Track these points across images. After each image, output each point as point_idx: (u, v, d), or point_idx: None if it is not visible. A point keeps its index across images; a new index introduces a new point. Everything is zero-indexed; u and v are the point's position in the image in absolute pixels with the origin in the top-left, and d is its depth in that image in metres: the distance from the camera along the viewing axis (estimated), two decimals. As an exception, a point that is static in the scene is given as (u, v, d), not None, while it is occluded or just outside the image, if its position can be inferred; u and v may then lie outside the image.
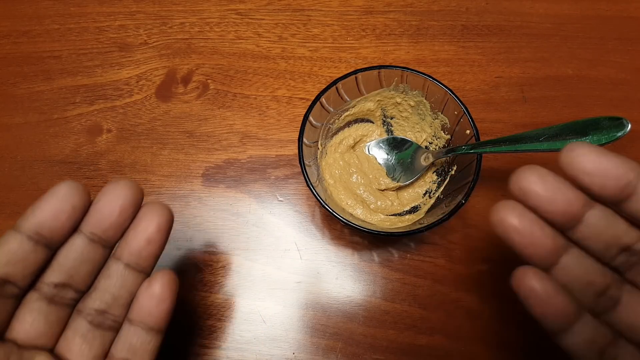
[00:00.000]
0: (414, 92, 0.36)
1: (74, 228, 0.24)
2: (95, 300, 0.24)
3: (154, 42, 0.46)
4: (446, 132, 0.36)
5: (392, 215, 0.37)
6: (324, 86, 0.34)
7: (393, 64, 0.37)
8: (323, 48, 0.45)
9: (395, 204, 0.38)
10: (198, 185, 0.40)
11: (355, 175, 0.38)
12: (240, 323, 0.35)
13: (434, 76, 0.33)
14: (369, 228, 0.31)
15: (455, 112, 0.34)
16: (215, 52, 0.45)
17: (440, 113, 0.35)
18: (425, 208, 0.36)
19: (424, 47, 0.45)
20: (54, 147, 0.41)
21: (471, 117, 0.32)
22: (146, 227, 0.24)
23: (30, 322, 0.23)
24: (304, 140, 0.33)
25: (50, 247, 0.23)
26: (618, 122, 0.27)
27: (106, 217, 0.23)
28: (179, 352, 0.35)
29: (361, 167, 0.39)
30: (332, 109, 0.35)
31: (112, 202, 0.23)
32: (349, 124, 0.39)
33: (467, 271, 0.37)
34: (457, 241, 0.38)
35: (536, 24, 0.46)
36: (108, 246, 0.25)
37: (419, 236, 0.38)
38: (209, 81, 0.44)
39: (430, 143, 0.38)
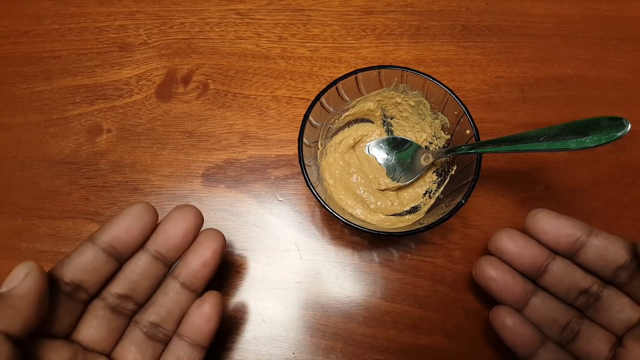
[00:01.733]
0: (414, 92, 0.36)
1: (142, 244, 0.27)
2: (152, 314, 0.27)
3: (154, 42, 0.46)
4: (446, 132, 0.36)
5: (392, 215, 0.37)
6: (324, 86, 0.34)
7: (393, 64, 0.37)
8: (323, 48, 0.45)
9: (395, 204, 0.38)
10: (198, 185, 0.40)
11: (355, 175, 0.38)
12: (240, 323, 0.35)
13: (433, 76, 0.33)
14: (369, 228, 0.31)
15: (455, 112, 0.34)
16: (215, 52, 0.45)
17: (440, 113, 0.35)
18: (425, 208, 0.36)
19: (424, 47, 0.45)
20: (54, 147, 0.41)
21: (471, 117, 0.32)
22: (204, 252, 0.27)
23: (95, 327, 0.26)
24: (304, 140, 0.33)
25: (120, 260, 0.26)
26: (618, 122, 0.27)
27: (171, 238, 0.27)
28: (179, 352, 0.35)
29: (361, 167, 0.39)
30: (332, 109, 0.35)
31: (178, 225, 0.27)
32: (349, 124, 0.39)
33: (467, 271, 0.37)
34: (457, 241, 0.38)
35: (536, 24, 0.46)
36: (168, 265, 0.28)
37: (419, 236, 0.38)
38: (209, 81, 0.44)
39: (430, 143, 0.38)
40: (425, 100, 0.36)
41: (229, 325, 0.35)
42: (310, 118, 0.33)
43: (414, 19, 0.46)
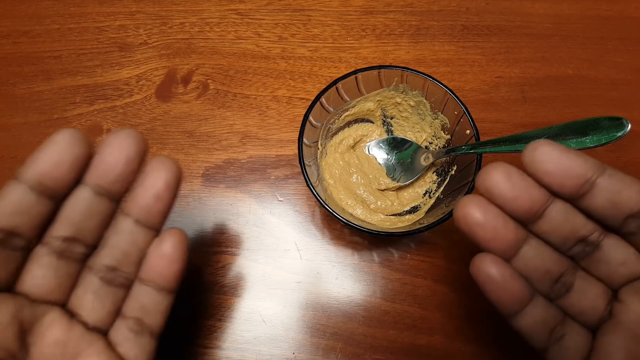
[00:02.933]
0: (414, 92, 0.36)
1: (78, 179, 0.23)
2: (106, 257, 0.24)
3: (154, 42, 0.46)
4: (446, 132, 0.36)
5: (392, 215, 0.37)
6: (324, 86, 0.34)
7: (393, 64, 0.37)
8: (323, 48, 0.45)
9: (395, 204, 0.38)
10: (198, 185, 0.40)
11: (355, 175, 0.38)
12: (240, 323, 0.35)
13: (433, 76, 0.33)
14: (369, 228, 0.31)
15: (455, 112, 0.34)
16: (215, 52, 0.45)
17: (440, 113, 0.35)
18: (425, 208, 0.36)
19: (424, 47, 0.45)
20: (54, 147, 0.41)
21: (471, 117, 0.32)
22: (154, 184, 0.23)
23: (41, 276, 0.23)
24: (304, 140, 0.33)
25: (55, 198, 0.22)
26: (618, 122, 0.27)
27: (111, 169, 0.23)
28: (179, 352, 0.35)
29: (361, 167, 0.39)
30: (332, 109, 0.35)
31: (116, 153, 0.23)
32: (349, 124, 0.39)
33: (467, 271, 0.37)
34: (457, 241, 0.38)
35: (536, 24, 0.46)
36: (115, 199, 0.24)
37: (419, 236, 0.38)
38: (209, 81, 0.44)
39: (430, 143, 0.38)
40: (425, 100, 0.36)
41: (228, 325, 0.35)
42: (310, 118, 0.33)
43: (414, 19, 0.46)
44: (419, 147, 0.38)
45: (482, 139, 0.32)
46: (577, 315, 0.25)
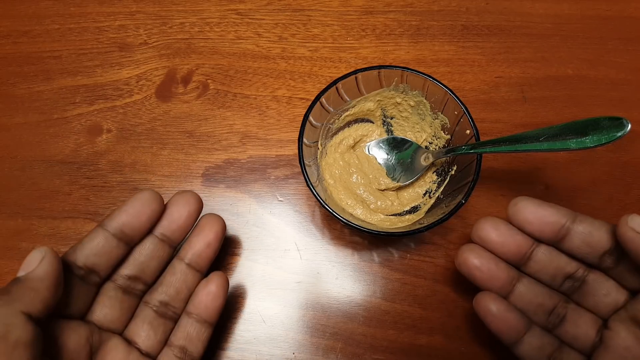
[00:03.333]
0: (414, 92, 0.36)
1: (150, 230, 0.29)
2: (161, 294, 0.29)
3: (154, 42, 0.46)
4: (446, 132, 0.36)
5: (392, 215, 0.37)
6: (324, 86, 0.34)
7: (393, 64, 0.37)
8: (323, 48, 0.45)
9: (395, 204, 0.38)
10: (198, 185, 0.40)
11: (355, 175, 0.38)
12: (240, 323, 0.35)
13: (433, 76, 0.33)
14: (369, 228, 0.31)
15: (456, 112, 0.34)
16: (215, 52, 0.45)
17: (440, 113, 0.35)
18: (425, 208, 0.36)
19: (424, 47, 0.45)
20: (54, 147, 0.41)
21: (471, 117, 0.32)
22: (207, 235, 0.30)
23: (108, 307, 0.28)
24: (304, 140, 0.33)
25: (129, 244, 0.28)
26: (618, 122, 0.27)
27: (175, 221, 0.29)
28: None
29: (361, 167, 0.39)
30: (332, 109, 0.35)
31: (181, 209, 0.29)
32: (349, 124, 0.39)
33: (467, 271, 0.37)
34: (457, 241, 0.38)
35: (536, 24, 0.46)
36: (173, 246, 0.30)
37: (419, 236, 0.38)
38: (209, 81, 0.44)
39: (430, 143, 0.38)
40: (425, 100, 0.36)
41: (229, 325, 0.35)
42: (310, 118, 0.33)
43: (413, 19, 0.46)
44: (419, 147, 0.38)
45: (482, 139, 0.32)
46: (571, 342, 0.28)
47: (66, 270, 0.25)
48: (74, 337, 0.25)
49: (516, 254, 0.28)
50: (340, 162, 0.38)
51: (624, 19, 0.46)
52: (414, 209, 0.38)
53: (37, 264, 0.23)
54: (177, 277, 0.29)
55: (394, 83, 0.35)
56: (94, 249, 0.26)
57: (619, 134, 0.27)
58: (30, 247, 0.38)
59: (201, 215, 0.31)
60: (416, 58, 0.44)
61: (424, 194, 0.38)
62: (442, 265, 0.37)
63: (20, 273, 0.23)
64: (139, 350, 0.28)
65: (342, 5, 0.47)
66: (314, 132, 0.35)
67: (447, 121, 0.35)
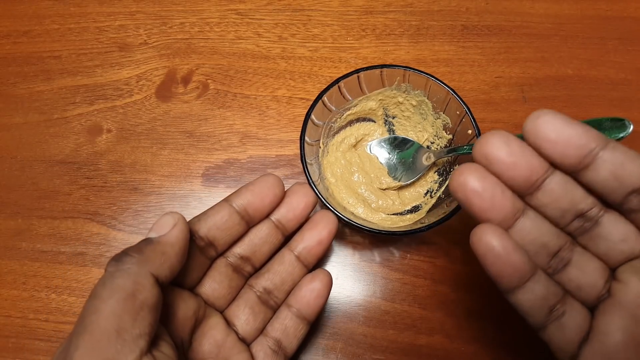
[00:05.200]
0: (416, 92, 0.36)
1: (270, 213, 0.29)
2: (267, 280, 0.29)
3: (154, 42, 0.46)
4: (448, 132, 0.36)
5: (393, 214, 0.37)
6: (324, 86, 0.34)
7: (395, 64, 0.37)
8: (323, 48, 0.45)
9: (396, 203, 0.38)
10: (198, 185, 0.40)
11: (356, 174, 0.38)
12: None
13: (434, 76, 0.33)
14: (370, 227, 0.31)
15: (457, 112, 0.34)
16: (215, 52, 0.45)
17: (442, 113, 0.35)
18: (426, 207, 0.36)
19: (424, 47, 0.45)
20: (54, 147, 0.41)
21: (473, 117, 0.32)
22: (321, 231, 0.29)
23: (218, 283, 0.28)
24: (306, 138, 0.33)
25: (249, 223, 0.28)
26: (620, 124, 0.27)
27: (292, 210, 0.29)
28: (179, 352, 0.35)
29: (363, 166, 0.39)
30: (334, 108, 0.35)
31: (299, 199, 0.29)
32: (350, 123, 0.39)
33: (467, 271, 0.37)
34: (457, 241, 0.38)
35: (536, 24, 0.46)
36: (285, 234, 0.29)
37: (420, 236, 0.38)
38: (209, 81, 0.44)
39: (432, 143, 0.38)
40: (427, 100, 0.36)
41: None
42: (312, 116, 0.33)
43: (413, 19, 0.46)
44: (420, 146, 0.38)
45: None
46: (575, 291, 0.24)
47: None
48: (183, 307, 0.25)
49: (526, 180, 0.22)
50: (342, 161, 0.38)
51: (624, 19, 0.46)
52: (415, 209, 0.38)
53: (169, 229, 0.23)
54: (285, 267, 0.29)
55: (396, 82, 0.35)
56: (217, 222, 0.27)
57: (621, 134, 0.27)
58: (31, 247, 0.38)
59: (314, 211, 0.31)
60: (416, 58, 0.44)
61: (425, 194, 0.38)
62: (443, 265, 0.37)
63: (152, 234, 0.23)
64: (237, 333, 0.28)
65: (342, 5, 0.47)
66: (315, 131, 0.35)
67: (449, 121, 0.35)
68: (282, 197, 0.29)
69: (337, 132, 0.39)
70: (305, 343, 0.35)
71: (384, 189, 0.38)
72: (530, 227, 0.23)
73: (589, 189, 0.23)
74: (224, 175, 0.40)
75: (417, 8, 0.47)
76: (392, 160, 0.39)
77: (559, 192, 0.23)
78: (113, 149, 0.41)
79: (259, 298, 0.29)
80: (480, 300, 0.36)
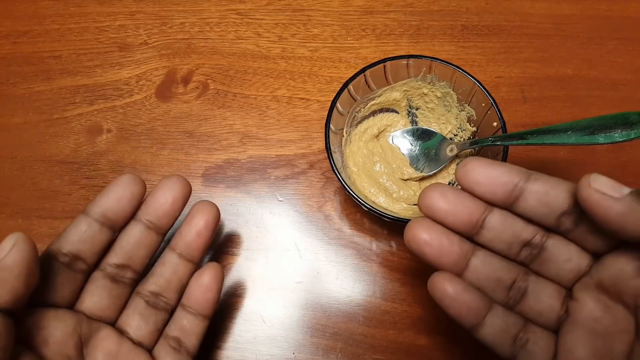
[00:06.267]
0: (442, 83, 0.36)
1: (133, 213, 0.28)
2: (152, 284, 0.29)
3: (154, 42, 0.46)
4: (472, 124, 0.36)
5: (414, 205, 0.37)
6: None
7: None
8: (323, 48, 0.45)
9: (417, 194, 0.38)
10: (198, 185, 0.40)
11: (378, 164, 0.38)
12: (240, 323, 0.35)
13: (461, 67, 0.34)
14: (391, 215, 0.31)
15: (483, 104, 0.34)
16: (215, 52, 0.45)
17: (467, 105, 0.36)
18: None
19: (424, 47, 0.45)
20: (53, 147, 0.41)
21: (499, 109, 0.33)
22: (197, 223, 0.29)
23: (97, 296, 0.27)
24: (331, 126, 0.33)
25: (113, 229, 0.27)
26: None
27: (160, 206, 0.28)
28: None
29: (385, 157, 0.39)
30: (358, 97, 0.36)
31: (166, 194, 0.28)
32: (374, 113, 0.39)
33: (467, 271, 0.37)
34: (457, 241, 0.38)
35: (536, 24, 0.46)
36: (161, 233, 0.29)
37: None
38: (209, 81, 0.44)
39: (455, 135, 0.38)
40: (452, 92, 0.36)
41: (228, 325, 0.35)
42: (338, 105, 0.33)
43: (413, 19, 0.46)
44: (443, 138, 0.38)
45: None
46: (536, 318, 0.26)
47: (51, 258, 0.26)
48: (60, 326, 0.25)
49: (468, 222, 0.25)
50: (364, 151, 0.38)
51: (624, 19, 0.46)
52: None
53: (7, 252, 0.22)
54: (167, 267, 0.29)
55: (421, 73, 0.36)
56: (77, 235, 0.26)
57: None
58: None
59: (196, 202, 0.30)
60: (416, 58, 0.44)
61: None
62: (442, 265, 0.37)
63: None
64: (132, 339, 0.28)
65: (342, 5, 0.47)
66: (340, 119, 0.35)
67: (473, 113, 0.35)
68: (143, 193, 0.28)
69: (361, 121, 0.39)
70: (305, 343, 0.35)
71: (406, 180, 0.38)
72: (482, 265, 0.25)
73: (527, 219, 0.25)
74: (224, 176, 0.40)
75: (417, 8, 0.47)
76: (414, 151, 0.39)
77: (500, 227, 0.25)
78: (113, 149, 0.41)
79: (147, 302, 0.29)
80: (480, 300, 0.36)
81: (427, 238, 0.25)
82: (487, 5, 0.47)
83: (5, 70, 0.45)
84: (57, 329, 0.25)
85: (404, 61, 0.34)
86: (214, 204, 0.29)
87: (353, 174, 0.37)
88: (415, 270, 0.37)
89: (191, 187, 0.29)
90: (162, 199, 0.28)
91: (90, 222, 0.26)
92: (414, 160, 0.39)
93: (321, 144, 0.41)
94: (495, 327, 0.25)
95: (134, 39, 0.46)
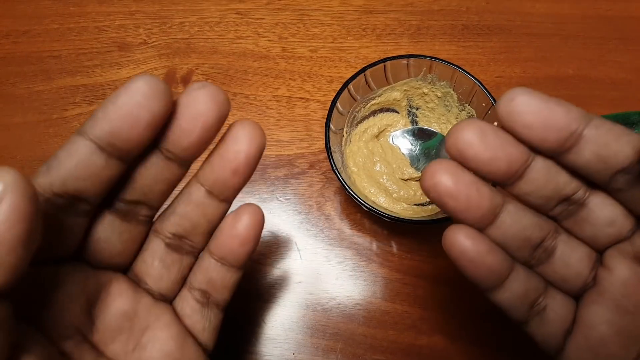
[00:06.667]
0: (442, 83, 0.36)
1: (152, 140, 0.19)
2: (174, 225, 0.22)
3: (153, 41, 0.45)
4: None
5: (415, 205, 0.37)
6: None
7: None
8: (323, 48, 0.45)
9: (418, 194, 0.38)
10: (198, 185, 0.40)
11: (378, 164, 0.38)
12: (239, 323, 0.35)
13: (461, 67, 0.33)
14: (392, 215, 0.31)
15: (484, 104, 0.34)
16: (215, 51, 0.45)
17: (467, 105, 0.36)
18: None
19: (425, 46, 0.45)
20: (53, 147, 0.41)
21: None
22: (235, 156, 0.21)
23: (104, 240, 0.21)
24: (331, 126, 0.33)
25: (125, 161, 0.19)
26: None
27: (186, 134, 0.19)
28: (179, 353, 0.35)
29: (385, 157, 0.39)
30: (358, 97, 0.36)
31: (194, 117, 0.19)
32: (374, 113, 0.39)
33: (467, 271, 0.37)
34: (458, 241, 0.37)
35: (537, 24, 0.46)
36: (185, 165, 0.22)
37: (421, 236, 0.38)
38: (208, 81, 0.44)
39: None
40: (452, 92, 0.36)
41: (228, 325, 0.35)
42: (338, 104, 0.33)
43: (414, 19, 0.46)
44: (444, 137, 0.38)
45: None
46: (559, 283, 0.22)
47: (43, 200, 0.18)
48: (63, 289, 0.19)
49: (505, 172, 0.20)
50: (364, 151, 0.38)
51: (625, 19, 0.46)
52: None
53: None
54: (193, 207, 0.22)
55: (422, 73, 0.35)
56: (73, 169, 0.18)
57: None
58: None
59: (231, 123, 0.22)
60: (416, 58, 0.44)
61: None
62: (443, 265, 0.37)
63: None
64: (151, 293, 0.22)
65: (342, 5, 0.47)
66: (340, 119, 0.35)
67: (474, 113, 0.35)
68: (168, 112, 0.19)
69: (360, 121, 0.39)
70: (305, 343, 0.35)
71: (406, 180, 0.38)
72: (512, 221, 0.21)
73: (574, 171, 0.21)
74: (223, 175, 0.40)
75: (417, 8, 0.47)
76: (414, 151, 0.39)
77: (542, 180, 0.21)
78: (113, 148, 0.41)
79: (169, 246, 0.22)
80: (482, 301, 0.36)
81: (452, 188, 0.20)
82: (488, 5, 0.47)
83: (5, 70, 0.44)
84: (59, 293, 0.19)
85: (404, 61, 0.34)
86: (259, 126, 0.22)
87: (353, 174, 0.37)
88: (415, 271, 0.37)
89: (230, 104, 0.20)
90: (189, 125, 0.19)
91: (92, 150, 0.18)
92: (414, 160, 0.39)
93: (321, 144, 0.41)
94: (514, 291, 0.22)
95: (133, 39, 0.46)
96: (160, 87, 0.18)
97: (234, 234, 0.22)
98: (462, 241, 0.21)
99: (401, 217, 0.31)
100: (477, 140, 0.19)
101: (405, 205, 0.37)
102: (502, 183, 0.21)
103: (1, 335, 0.15)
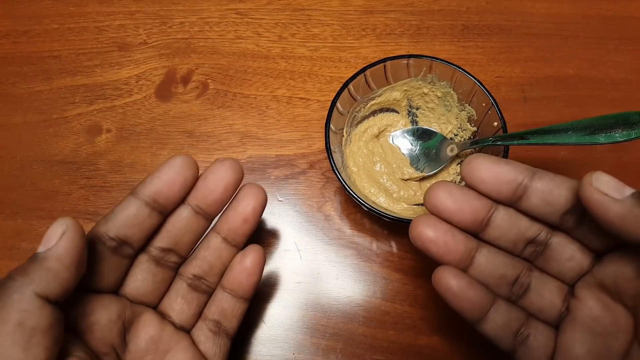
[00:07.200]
0: (442, 83, 0.36)
1: (183, 198, 0.26)
2: (195, 267, 0.28)
3: (153, 41, 0.45)
4: (472, 124, 0.36)
5: (415, 205, 0.37)
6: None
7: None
8: (323, 48, 0.45)
9: (418, 194, 0.38)
10: (198, 185, 0.40)
11: (378, 164, 0.38)
12: (240, 323, 0.35)
13: (461, 67, 0.33)
14: (392, 215, 0.31)
15: (483, 104, 0.34)
16: (215, 51, 0.45)
17: (467, 105, 0.36)
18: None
19: (425, 46, 0.45)
20: (53, 147, 0.41)
21: (499, 109, 0.33)
22: (244, 209, 0.27)
23: (141, 280, 0.27)
24: (331, 126, 0.33)
25: (162, 213, 0.26)
26: None
27: (211, 193, 0.26)
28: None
29: (385, 157, 0.39)
30: (359, 97, 0.36)
31: (217, 180, 0.26)
32: (374, 113, 0.39)
33: (467, 271, 0.37)
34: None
35: (537, 24, 0.46)
36: (209, 219, 0.28)
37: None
38: (208, 81, 0.44)
39: (455, 135, 0.38)
40: (452, 92, 0.36)
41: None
42: (338, 104, 0.33)
43: (414, 19, 0.46)
44: (444, 137, 0.38)
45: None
46: (537, 314, 0.26)
47: (97, 242, 0.24)
48: (105, 312, 0.24)
49: (473, 221, 0.25)
50: (364, 151, 0.38)
51: (625, 19, 0.46)
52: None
53: (56, 240, 0.21)
54: (211, 251, 0.28)
55: (422, 73, 0.35)
56: (126, 219, 0.25)
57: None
58: (30, 247, 0.38)
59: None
60: (416, 58, 0.44)
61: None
62: (443, 265, 0.37)
63: (40, 249, 0.21)
64: (173, 324, 0.27)
65: (342, 5, 0.47)
66: (340, 119, 0.35)
67: (474, 113, 0.35)
68: (195, 177, 0.26)
69: (361, 121, 0.39)
70: (305, 343, 0.35)
71: (406, 180, 0.38)
72: (486, 262, 0.26)
73: (531, 217, 0.25)
74: (223, 175, 0.40)
75: (417, 7, 0.47)
76: (414, 151, 0.39)
77: (506, 225, 0.26)
78: (112, 149, 0.41)
79: (190, 285, 0.28)
80: (481, 301, 0.36)
81: (432, 236, 0.25)
82: (488, 5, 0.47)
83: (5, 70, 0.44)
84: (102, 316, 0.24)
85: (404, 61, 0.34)
86: (262, 187, 0.28)
87: (353, 174, 0.37)
88: (415, 271, 0.37)
89: (243, 172, 0.27)
90: (213, 186, 0.26)
91: (140, 205, 0.25)
92: (414, 160, 0.39)
93: (321, 144, 0.41)
94: (497, 321, 0.25)
95: (133, 39, 0.46)
96: (190, 161, 0.26)
97: (242, 267, 0.28)
98: (447, 278, 0.25)
99: (401, 217, 0.31)
100: (446, 196, 0.25)
101: (405, 205, 0.37)
102: (474, 231, 0.26)
103: (53, 335, 0.20)
